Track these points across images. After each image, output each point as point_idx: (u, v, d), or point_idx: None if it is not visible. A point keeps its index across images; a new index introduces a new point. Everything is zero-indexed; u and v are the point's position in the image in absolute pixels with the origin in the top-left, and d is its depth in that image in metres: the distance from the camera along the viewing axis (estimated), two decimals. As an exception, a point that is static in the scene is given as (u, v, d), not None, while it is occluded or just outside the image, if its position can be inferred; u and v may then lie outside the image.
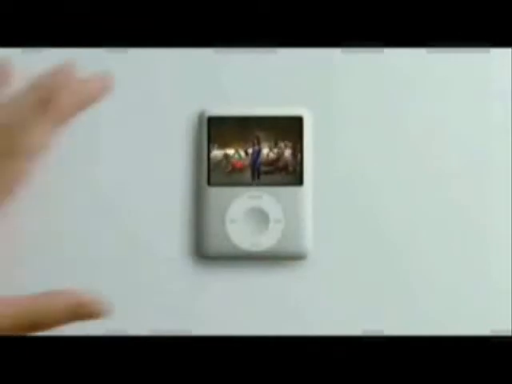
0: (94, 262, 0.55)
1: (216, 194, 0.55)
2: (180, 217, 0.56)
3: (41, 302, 0.47)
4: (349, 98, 0.56)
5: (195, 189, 0.56)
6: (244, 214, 0.55)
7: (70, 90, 0.50)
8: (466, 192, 0.56)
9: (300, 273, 0.56)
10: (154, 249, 0.56)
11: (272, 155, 0.55)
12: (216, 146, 0.55)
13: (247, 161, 0.55)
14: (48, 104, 0.50)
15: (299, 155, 0.55)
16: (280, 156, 0.55)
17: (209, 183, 0.55)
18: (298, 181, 0.55)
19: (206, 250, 0.55)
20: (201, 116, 0.56)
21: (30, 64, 0.52)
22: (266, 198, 0.55)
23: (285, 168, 0.55)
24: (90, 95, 0.51)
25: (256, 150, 0.55)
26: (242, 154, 0.55)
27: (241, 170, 0.55)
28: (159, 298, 0.55)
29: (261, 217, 0.55)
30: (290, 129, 0.55)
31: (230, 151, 0.55)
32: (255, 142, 0.55)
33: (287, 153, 0.55)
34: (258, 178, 0.55)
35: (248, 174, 0.55)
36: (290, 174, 0.55)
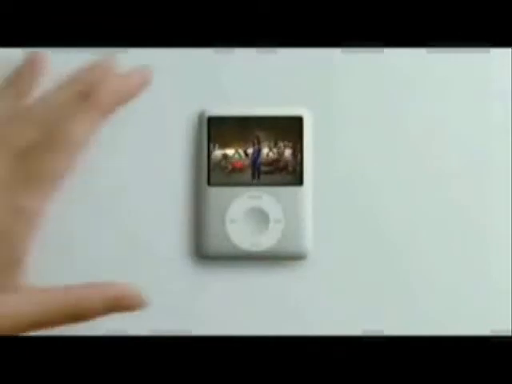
0: (94, 261, 0.55)
1: (216, 194, 0.55)
2: (180, 217, 0.56)
3: (77, 294, 0.47)
4: (349, 98, 0.56)
5: (195, 189, 0.56)
6: (244, 213, 0.55)
7: (109, 85, 0.50)
8: (466, 192, 0.56)
9: (300, 273, 0.56)
10: (153, 249, 0.56)
11: (272, 155, 0.55)
12: (216, 145, 0.55)
13: (247, 161, 0.55)
14: (87, 98, 0.49)
15: (299, 155, 0.55)
16: (280, 156, 0.55)
17: (209, 183, 0.55)
18: (298, 181, 0.55)
19: (206, 250, 0.55)
20: (201, 116, 0.56)
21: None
22: (265, 198, 0.55)
23: (285, 168, 0.55)
24: (130, 90, 0.51)
25: (256, 150, 0.55)
26: (242, 153, 0.55)
27: (241, 170, 0.55)
28: (159, 298, 0.55)
29: (261, 217, 0.55)
30: (289, 129, 0.55)
31: (230, 151, 0.55)
32: (255, 141, 0.55)
33: (287, 153, 0.55)
34: (258, 178, 0.55)
35: (248, 174, 0.55)
36: (290, 173, 0.55)
